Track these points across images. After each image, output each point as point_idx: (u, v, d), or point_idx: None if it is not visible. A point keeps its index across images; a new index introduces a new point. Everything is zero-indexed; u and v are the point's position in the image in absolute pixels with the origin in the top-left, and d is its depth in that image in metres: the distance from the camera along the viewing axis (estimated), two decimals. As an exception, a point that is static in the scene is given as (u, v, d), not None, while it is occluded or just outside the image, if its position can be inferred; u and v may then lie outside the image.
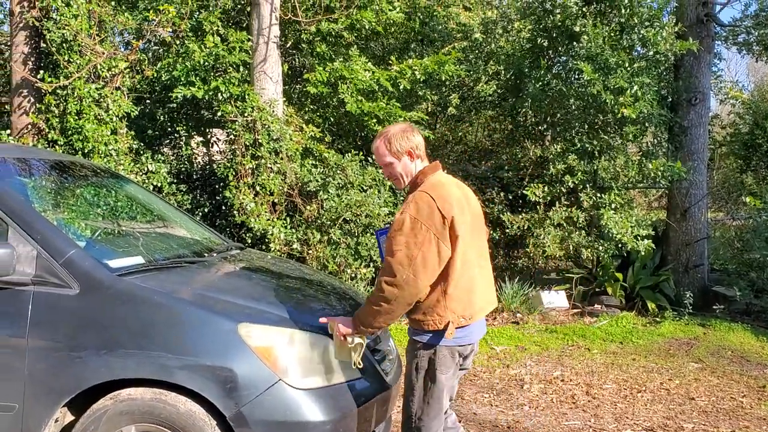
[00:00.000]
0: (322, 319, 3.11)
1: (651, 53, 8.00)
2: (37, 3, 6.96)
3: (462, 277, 2.89)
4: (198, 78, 7.40)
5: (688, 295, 8.13)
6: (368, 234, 7.38)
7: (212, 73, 7.45)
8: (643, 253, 8.11)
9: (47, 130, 6.99)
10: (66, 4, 6.88)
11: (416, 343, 2.99)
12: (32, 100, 7.19)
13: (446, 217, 2.83)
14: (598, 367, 6.25)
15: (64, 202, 3.93)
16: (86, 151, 6.76)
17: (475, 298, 2.97)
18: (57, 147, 6.88)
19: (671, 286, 8.61)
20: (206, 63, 7.37)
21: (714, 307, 8.40)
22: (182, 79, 7.45)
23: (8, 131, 7.15)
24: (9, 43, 8.13)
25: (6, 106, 9.31)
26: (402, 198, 8.14)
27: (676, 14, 8.76)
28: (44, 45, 6.99)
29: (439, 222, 2.82)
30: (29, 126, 7.15)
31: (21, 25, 7.10)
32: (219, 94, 7.32)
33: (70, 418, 3.06)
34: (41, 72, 7.03)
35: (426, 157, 3.15)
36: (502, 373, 6.00)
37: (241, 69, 7.57)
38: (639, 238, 7.83)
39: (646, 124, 8.33)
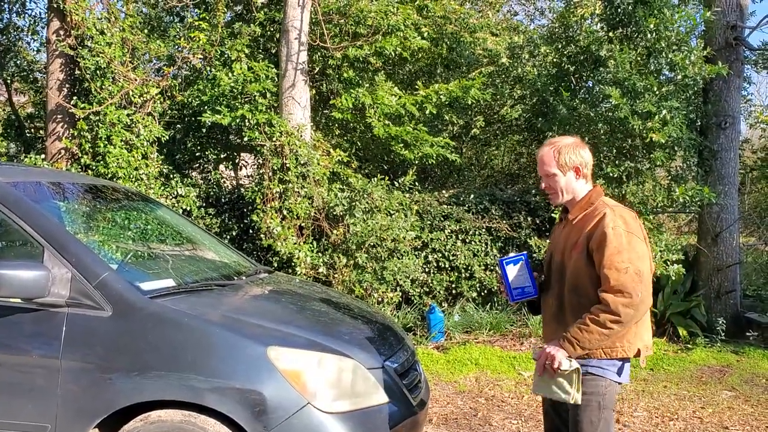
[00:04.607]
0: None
1: (679, 77, 7.94)
2: (72, 31, 7.15)
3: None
4: (224, 105, 7.50)
5: (720, 322, 7.98)
6: (394, 258, 7.37)
7: (240, 100, 7.55)
8: (673, 278, 7.97)
9: (80, 155, 7.13)
10: (100, 33, 7.06)
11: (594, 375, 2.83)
12: (66, 125, 7.36)
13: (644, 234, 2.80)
14: (629, 394, 6.14)
15: (96, 225, 4.00)
16: (109, 175, 6.88)
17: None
18: (89, 171, 7.02)
19: (702, 312, 8.44)
20: (233, 90, 7.47)
21: (747, 333, 8.22)
22: (210, 104, 7.57)
23: (43, 156, 7.32)
24: (45, 71, 8.35)
25: (41, 132, 9.53)
26: (429, 223, 8.13)
27: (704, 38, 8.69)
28: (78, 72, 7.16)
29: (644, 236, 2.79)
30: (62, 151, 7.31)
31: (56, 53, 7.30)
32: (246, 120, 7.42)
33: (101, 439, 3.08)
34: (74, 98, 7.20)
35: (591, 178, 2.98)
36: (531, 399, 5.92)
37: (268, 95, 7.66)
38: (669, 263, 7.71)
39: (675, 149, 8.24)
